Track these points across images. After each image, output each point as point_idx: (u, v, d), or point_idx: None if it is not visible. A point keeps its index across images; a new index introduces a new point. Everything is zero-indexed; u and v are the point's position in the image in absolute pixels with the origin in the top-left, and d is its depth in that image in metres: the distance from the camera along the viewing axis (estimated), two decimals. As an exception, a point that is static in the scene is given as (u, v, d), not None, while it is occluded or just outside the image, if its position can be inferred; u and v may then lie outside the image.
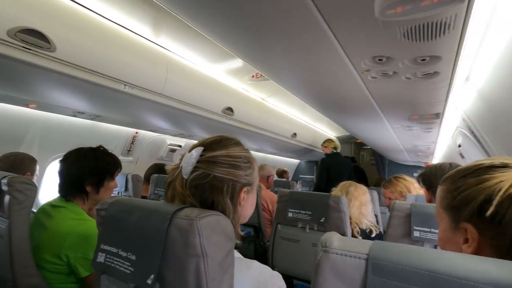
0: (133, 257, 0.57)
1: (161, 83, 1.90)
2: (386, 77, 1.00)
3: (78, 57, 1.42)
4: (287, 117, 3.79)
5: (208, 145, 0.72)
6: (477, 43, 0.81)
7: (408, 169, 5.88)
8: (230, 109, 2.59)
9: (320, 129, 5.08)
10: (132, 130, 2.71)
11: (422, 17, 0.63)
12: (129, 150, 2.78)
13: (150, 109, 2.11)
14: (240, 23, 0.82)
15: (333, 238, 0.38)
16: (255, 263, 0.67)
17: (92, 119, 2.29)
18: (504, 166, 0.48)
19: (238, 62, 2.37)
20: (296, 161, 6.63)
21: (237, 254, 0.72)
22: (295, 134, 4.00)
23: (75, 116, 2.19)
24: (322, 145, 3.68)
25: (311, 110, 3.54)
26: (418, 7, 0.59)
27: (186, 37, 1.95)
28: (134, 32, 1.77)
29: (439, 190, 0.59)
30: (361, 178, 4.76)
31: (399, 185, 1.78)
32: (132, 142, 2.76)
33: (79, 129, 2.34)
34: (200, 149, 0.70)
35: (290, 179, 5.36)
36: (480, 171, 0.50)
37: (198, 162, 0.68)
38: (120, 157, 2.75)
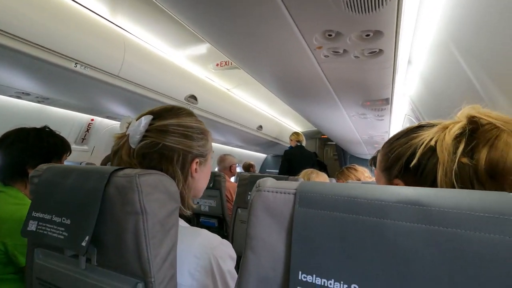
0: (68, 222, 0.53)
1: (117, 65, 1.80)
2: (337, 56, 1.05)
3: (19, 28, 1.29)
4: (253, 109, 3.81)
5: (158, 114, 0.70)
6: (414, 19, 0.88)
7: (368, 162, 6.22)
8: (193, 97, 2.54)
9: (286, 123, 5.18)
10: (87, 117, 2.54)
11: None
12: (83, 139, 2.61)
13: (106, 93, 1.99)
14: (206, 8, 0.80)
15: (267, 180, 0.39)
16: (204, 231, 0.66)
17: (39, 102, 2.11)
18: (431, 125, 0.52)
19: (201, 49, 2.32)
20: (263, 155, 6.71)
21: (186, 224, 0.71)
22: (261, 126, 4.03)
23: (19, 97, 2.00)
24: (289, 137, 3.78)
25: (277, 103, 3.60)
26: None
27: (146, 19, 1.87)
28: (88, 8, 1.66)
29: (378, 156, 0.63)
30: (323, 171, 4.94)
31: (350, 175, 1.89)
32: (87, 130, 2.59)
33: (24, 113, 2.14)
34: (149, 117, 0.67)
35: (257, 173, 5.41)
36: (409, 131, 0.54)
37: (147, 131, 0.65)
38: (73, 146, 2.57)
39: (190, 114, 0.78)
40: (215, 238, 0.66)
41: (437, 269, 0.27)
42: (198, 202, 2.74)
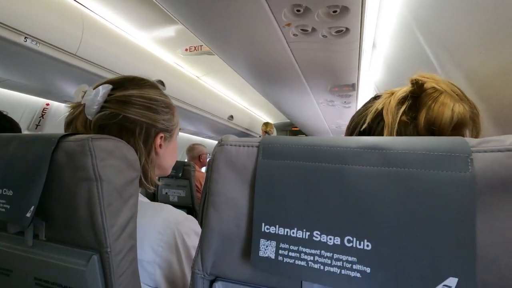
0: (10, 193, 0.48)
1: (75, 43, 1.66)
2: (306, 35, 1.06)
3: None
4: (223, 98, 3.75)
5: (118, 83, 0.65)
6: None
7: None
8: (161, 83, 2.43)
9: (257, 114, 5.18)
10: (42, 101, 2.33)
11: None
12: (38, 125, 2.40)
13: (63, 74, 1.83)
14: None
15: (230, 136, 0.38)
16: (169, 206, 0.64)
17: (-17, 82, 1.89)
18: (390, 94, 0.54)
19: (169, 31, 2.22)
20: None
21: (147, 200, 0.67)
22: (232, 116, 3.99)
23: (-42, 77, 1.78)
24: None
25: (248, 93, 3.58)
26: None
27: (107, -6, 1.74)
28: (38, -23, 1.50)
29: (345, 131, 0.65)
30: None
31: None
32: (42, 115, 2.38)
33: (-35, 95, 1.91)
34: (108, 86, 0.62)
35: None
36: (367, 103, 0.56)
37: (105, 101, 0.60)
38: (26, 132, 2.36)
39: (154, 86, 0.74)
40: (180, 213, 0.64)
41: (395, 207, 0.27)
42: (166, 193, 2.67)
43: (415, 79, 0.45)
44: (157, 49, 2.42)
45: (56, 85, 2.03)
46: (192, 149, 2.98)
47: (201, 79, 3.20)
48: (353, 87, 1.53)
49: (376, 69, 1.36)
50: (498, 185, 0.26)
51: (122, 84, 0.65)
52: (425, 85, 0.44)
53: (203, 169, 3.13)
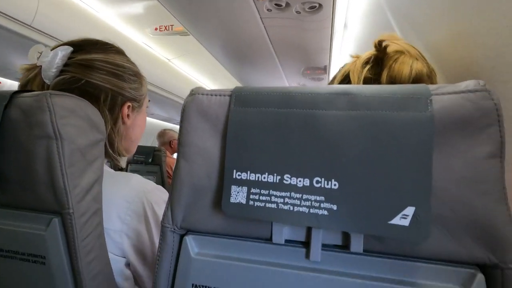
0: (-45, 154, 0.43)
1: (29, 13, 1.51)
2: (279, 11, 1.05)
3: None
4: (195, 83, 3.66)
5: (79, 46, 0.60)
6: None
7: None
8: (128, 63, 2.31)
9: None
10: (-8, 79, 2.12)
11: None
12: (-12, 105, 2.17)
13: (15, 48, 1.67)
14: None
15: (201, 87, 0.37)
16: (137, 176, 0.61)
17: None
18: (356, 58, 0.57)
19: (138, 8, 2.10)
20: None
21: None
22: (204, 102, 3.92)
23: None
24: None
25: (221, 78, 3.52)
26: None
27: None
28: None
29: None
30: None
31: None
32: (-7, 94, 2.16)
33: None
34: (69, 48, 0.58)
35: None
36: (340, 69, 0.58)
37: (65, 65, 0.56)
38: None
39: (120, 52, 0.70)
40: (149, 183, 0.62)
41: (361, 147, 0.29)
42: None
43: (379, 42, 0.47)
44: (125, 27, 2.28)
45: (8, 61, 1.84)
46: (163, 135, 2.90)
47: (172, 62, 3.08)
48: (325, 69, 1.57)
49: (347, 51, 1.40)
50: (454, 124, 0.28)
51: (83, 47, 0.60)
52: (387, 49, 0.46)
53: (175, 155, 3.06)
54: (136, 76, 0.67)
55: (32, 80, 0.57)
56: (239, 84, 2.80)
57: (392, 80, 0.44)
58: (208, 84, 4.04)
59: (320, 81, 1.88)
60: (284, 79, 1.91)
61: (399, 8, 0.78)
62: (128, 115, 0.63)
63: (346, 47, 1.37)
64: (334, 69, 1.64)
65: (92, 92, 0.56)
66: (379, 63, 0.47)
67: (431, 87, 0.30)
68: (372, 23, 1.01)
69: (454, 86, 0.29)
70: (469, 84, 0.28)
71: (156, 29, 2.39)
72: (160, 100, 3.13)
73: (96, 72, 0.56)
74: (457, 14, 0.54)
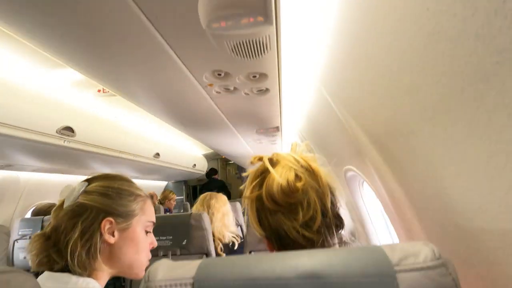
0: None
1: None
2: (228, 93, 1.07)
3: None
4: (148, 137, 3.51)
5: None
6: (292, 65, 0.99)
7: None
8: (69, 129, 2.13)
9: (186, 147, 5.01)
10: None
11: (243, 34, 0.70)
12: None
13: None
14: (70, 33, 0.70)
15: (158, 269, 0.32)
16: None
17: None
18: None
19: (77, 74, 1.99)
20: (164, 182, 6.25)
21: None
22: (158, 154, 3.75)
23: None
24: None
25: (174, 129, 3.43)
26: (238, 25, 0.65)
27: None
28: None
29: None
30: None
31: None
32: None
33: None
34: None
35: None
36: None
37: None
38: None
39: (123, 179, 0.78)
40: None
41: None
42: (25, 257, 2.24)
43: (258, 158, 0.56)
44: (65, 92, 2.14)
45: None
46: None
47: (118, 119, 2.93)
48: (278, 129, 1.62)
49: (297, 117, 1.48)
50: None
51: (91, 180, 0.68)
52: (265, 165, 0.52)
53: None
54: (131, 196, 0.70)
55: None
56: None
57: (269, 195, 0.49)
58: (163, 133, 3.91)
59: (274, 137, 1.94)
60: (239, 137, 1.93)
61: (334, 91, 0.85)
62: (112, 233, 0.63)
63: (296, 114, 1.44)
64: (286, 128, 1.72)
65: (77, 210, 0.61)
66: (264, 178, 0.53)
67: (393, 258, 0.30)
68: (315, 99, 1.09)
69: (414, 256, 0.30)
70: (427, 256, 0.29)
71: (99, 90, 2.30)
72: (107, 160, 2.92)
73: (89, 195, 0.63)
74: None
